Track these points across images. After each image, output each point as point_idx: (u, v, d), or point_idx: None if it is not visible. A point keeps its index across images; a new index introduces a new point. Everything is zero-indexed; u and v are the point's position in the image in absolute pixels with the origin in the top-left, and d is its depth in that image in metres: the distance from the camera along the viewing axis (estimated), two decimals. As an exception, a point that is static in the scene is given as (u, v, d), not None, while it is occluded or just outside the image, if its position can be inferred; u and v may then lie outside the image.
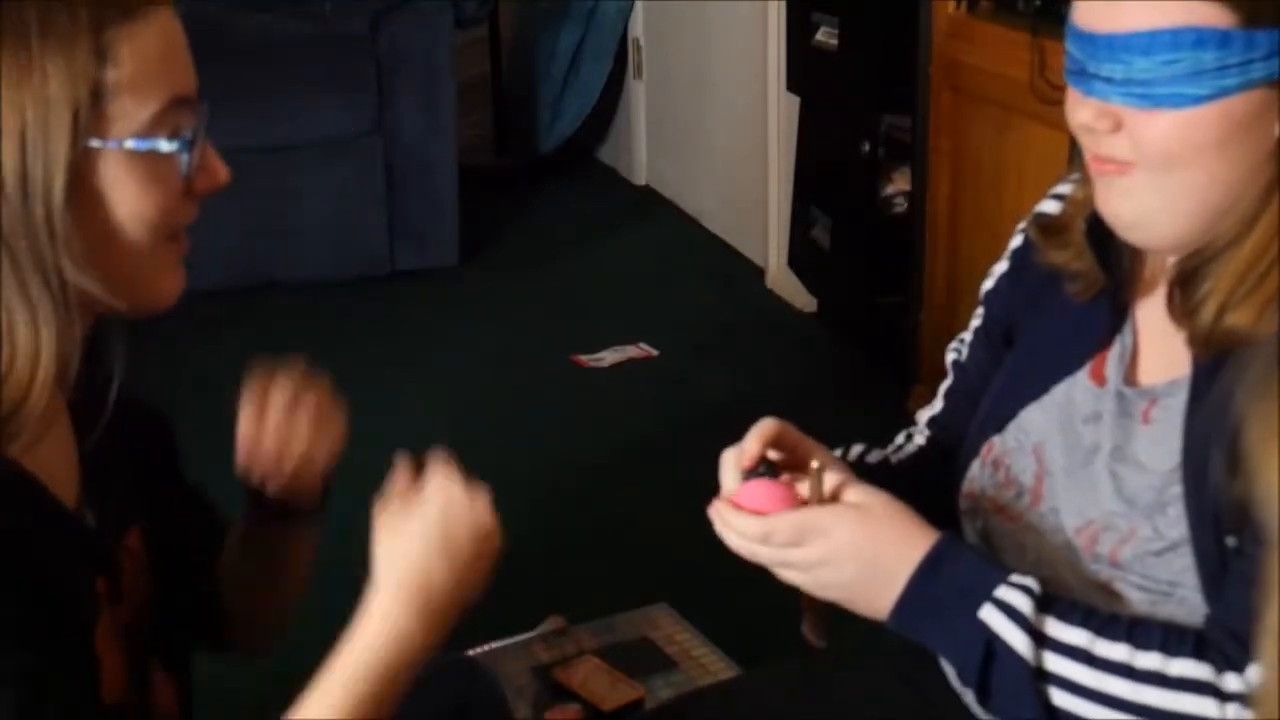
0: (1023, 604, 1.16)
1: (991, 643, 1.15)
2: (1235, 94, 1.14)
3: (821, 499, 1.21)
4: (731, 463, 1.26)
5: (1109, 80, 1.17)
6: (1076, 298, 1.32)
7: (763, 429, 1.27)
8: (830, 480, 1.22)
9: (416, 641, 1.12)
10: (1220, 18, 1.13)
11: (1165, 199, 1.18)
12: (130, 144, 1.06)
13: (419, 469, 1.17)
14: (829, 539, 1.18)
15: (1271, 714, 0.80)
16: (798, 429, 1.30)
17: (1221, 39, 1.13)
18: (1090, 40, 1.18)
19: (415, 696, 1.15)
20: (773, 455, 1.26)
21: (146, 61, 1.05)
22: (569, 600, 2.50)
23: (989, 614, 1.16)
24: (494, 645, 2.29)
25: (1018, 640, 1.15)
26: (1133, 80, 1.16)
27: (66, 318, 1.03)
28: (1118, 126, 1.18)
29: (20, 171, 1.01)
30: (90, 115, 1.03)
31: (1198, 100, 1.15)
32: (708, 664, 2.28)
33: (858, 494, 1.21)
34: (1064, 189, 1.37)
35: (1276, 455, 0.77)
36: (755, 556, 1.21)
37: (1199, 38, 1.13)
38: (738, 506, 1.21)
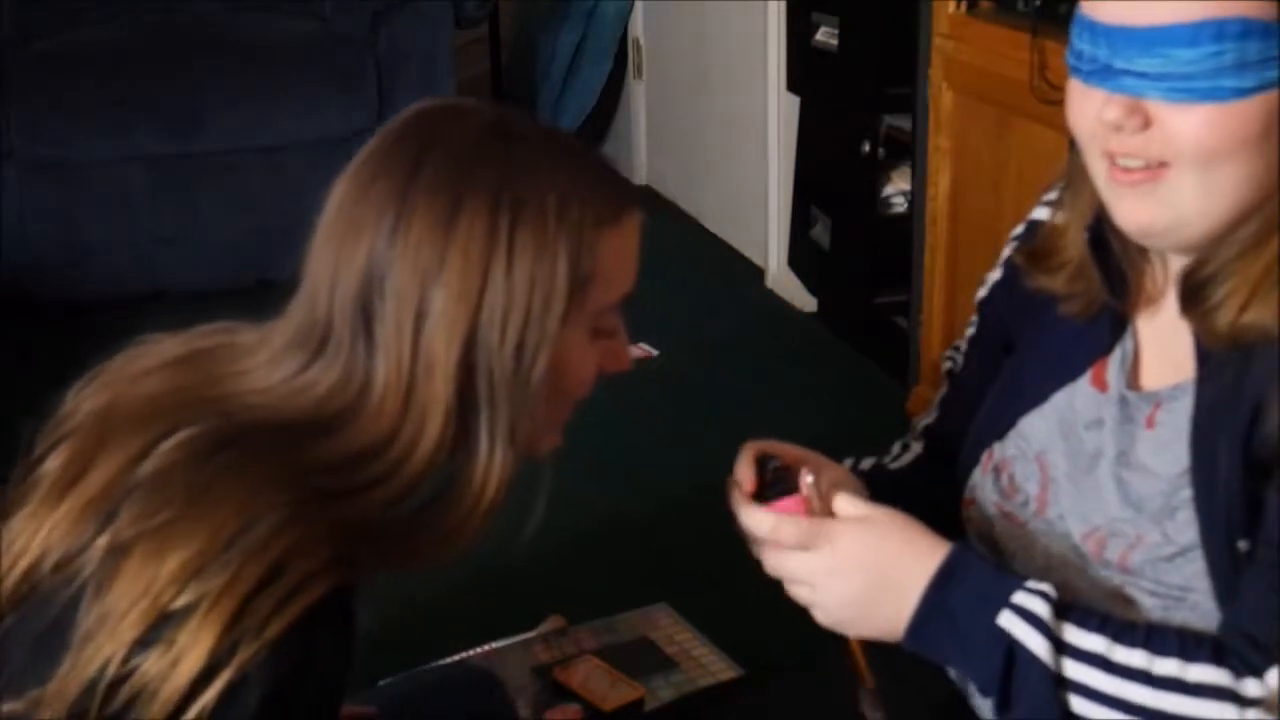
0: (1041, 609, 1.14)
1: (1012, 649, 1.13)
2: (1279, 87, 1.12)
3: (823, 512, 1.21)
4: (739, 495, 1.25)
5: (1143, 75, 1.14)
6: (1074, 318, 1.30)
7: (746, 457, 1.27)
8: (827, 485, 1.22)
9: None
10: (1263, 10, 1.11)
11: (1202, 199, 1.15)
12: (589, 329, 1.17)
13: None
14: (835, 547, 1.18)
15: None
16: (779, 440, 1.29)
17: (1265, 30, 1.11)
18: (1122, 34, 1.15)
19: (433, 707, 1.15)
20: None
21: (618, 262, 1.18)
22: (569, 600, 2.49)
23: (1008, 620, 1.14)
24: (494, 645, 2.29)
25: (1038, 646, 1.13)
26: (1172, 74, 1.13)
27: (515, 468, 1.14)
28: (1147, 124, 1.15)
29: (519, 341, 1.11)
30: (574, 300, 1.14)
31: (1241, 94, 1.12)
32: (708, 664, 2.28)
33: (853, 506, 1.20)
34: (1051, 196, 1.36)
35: None
36: (775, 568, 1.21)
37: (1244, 29, 1.11)
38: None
